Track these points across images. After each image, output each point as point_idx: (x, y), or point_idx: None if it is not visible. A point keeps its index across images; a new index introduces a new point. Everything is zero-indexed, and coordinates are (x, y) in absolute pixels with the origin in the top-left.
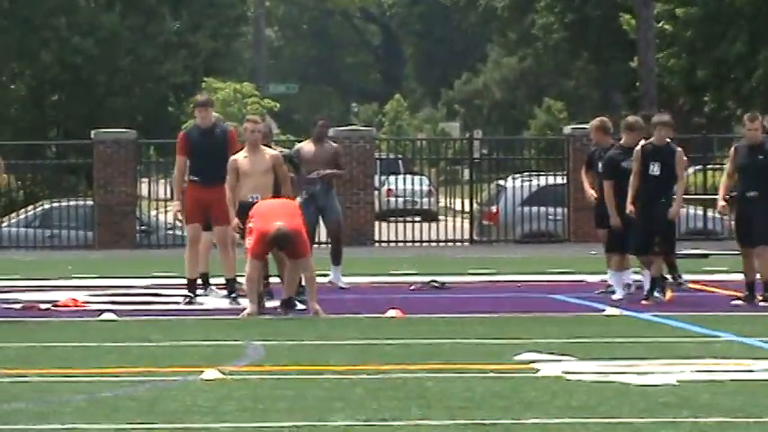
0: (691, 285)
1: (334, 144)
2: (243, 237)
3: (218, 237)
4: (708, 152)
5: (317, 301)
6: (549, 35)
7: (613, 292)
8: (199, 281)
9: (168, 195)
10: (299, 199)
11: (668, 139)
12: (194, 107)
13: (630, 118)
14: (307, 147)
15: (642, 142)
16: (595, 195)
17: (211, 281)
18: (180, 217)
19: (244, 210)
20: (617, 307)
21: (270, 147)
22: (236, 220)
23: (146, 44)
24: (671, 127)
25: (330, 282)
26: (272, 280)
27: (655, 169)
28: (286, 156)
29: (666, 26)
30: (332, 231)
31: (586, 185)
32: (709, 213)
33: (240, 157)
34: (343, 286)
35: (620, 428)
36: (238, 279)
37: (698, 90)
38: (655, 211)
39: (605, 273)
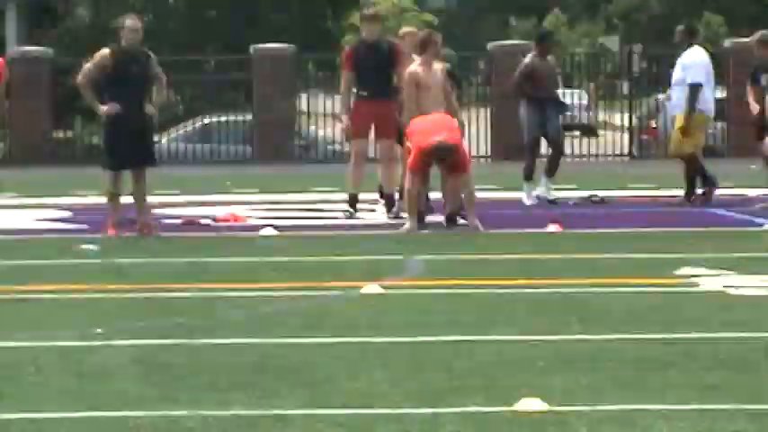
0: None
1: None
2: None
3: (384, 150)
4: None
5: (476, 216)
6: None
7: None
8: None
9: (327, 111)
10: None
11: None
12: (361, 20)
13: None
14: (537, 62)
15: None
16: (758, 109)
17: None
18: (348, 132)
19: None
20: None
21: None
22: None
23: None
24: None
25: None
26: (432, 196)
27: None
28: (449, 71)
29: None
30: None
31: (751, 100)
32: None
33: (418, 69)
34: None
35: None
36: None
37: None
38: None
39: (766, 187)
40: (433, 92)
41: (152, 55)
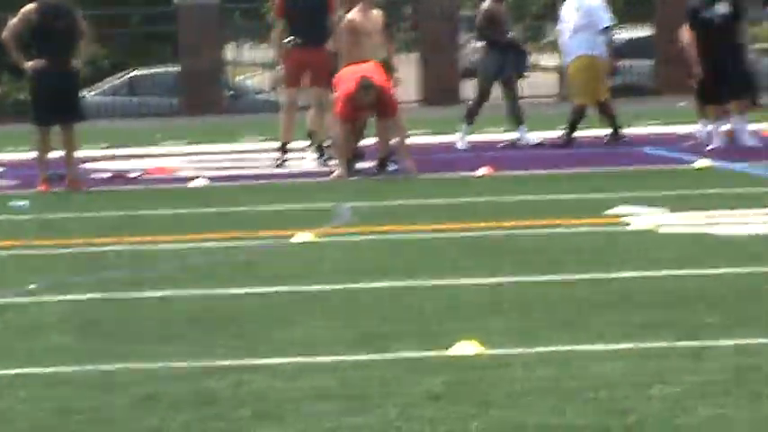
0: None
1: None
2: None
3: (315, 97)
4: None
5: (410, 158)
6: None
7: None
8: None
9: (255, 60)
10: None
11: None
12: None
13: None
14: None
15: None
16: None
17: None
18: (280, 81)
19: None
20: (708, 158)
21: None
22: None
23: None
24: None
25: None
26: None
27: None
28: None
29: None
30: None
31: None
32: None
33: (356, 17)
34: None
35: (712, 279)
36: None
37: None
38: None
39: (694, 123)
40: (373, 38)
41: (77, 9)
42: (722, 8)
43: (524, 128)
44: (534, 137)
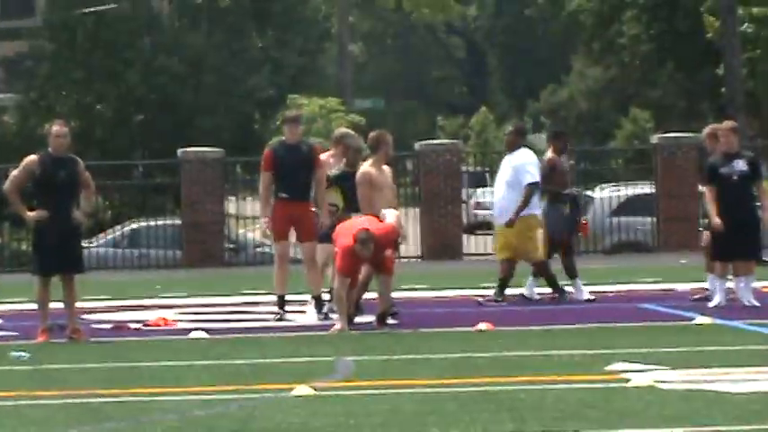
0: None
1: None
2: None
3: (306, 253)
4: None
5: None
6: (636, 46)
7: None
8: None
9: (255, 214)
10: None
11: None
12: (283, 122)
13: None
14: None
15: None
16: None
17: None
18: (268, 233)
19: None
20: (707, 315)
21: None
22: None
23: (231, 61)
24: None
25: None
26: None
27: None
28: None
29: (748, 28)
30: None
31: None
32: None
33: (371, 170)
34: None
35: None
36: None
37: None
38: None
39: (695, 281)
40: (385, 192)
41: (79, 161)
42: (741, 165)
43: (579, 281)
44: (587, 292)
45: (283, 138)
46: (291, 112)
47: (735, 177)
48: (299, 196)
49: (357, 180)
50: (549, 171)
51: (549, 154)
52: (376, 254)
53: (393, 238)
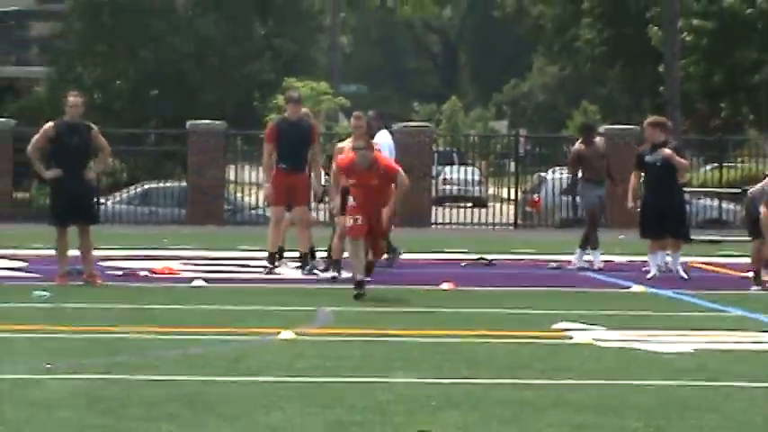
0: (708, 267)
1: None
2: None
3: (297, 216)
4: (723, 152)
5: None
6: (590, 48)
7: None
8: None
9: (253, 180)
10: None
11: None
12: (286, 101)
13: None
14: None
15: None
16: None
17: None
18: (269, 198)
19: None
20: (640, 284)
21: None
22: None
23: (235, 47)
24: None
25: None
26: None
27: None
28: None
29: (688, 38)
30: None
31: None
32: (724, 205)
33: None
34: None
35: (642, 389)
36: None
37: (714, 96)
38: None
39: (632, 254)
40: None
41: (94, 127)
42: (665, 153)
43: (598, 252)
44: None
45: (285, 114)
46: (294, 92)
47: (658, 164)
48: (298, 167)
49: (337, 157)
50: (577, 158)
51: (578, 145)
52: (371, 239)
53: (392, 175)
